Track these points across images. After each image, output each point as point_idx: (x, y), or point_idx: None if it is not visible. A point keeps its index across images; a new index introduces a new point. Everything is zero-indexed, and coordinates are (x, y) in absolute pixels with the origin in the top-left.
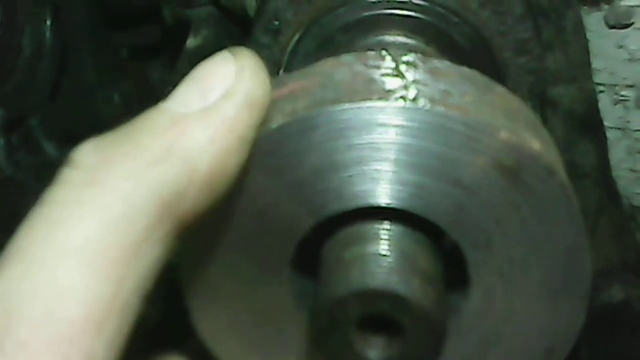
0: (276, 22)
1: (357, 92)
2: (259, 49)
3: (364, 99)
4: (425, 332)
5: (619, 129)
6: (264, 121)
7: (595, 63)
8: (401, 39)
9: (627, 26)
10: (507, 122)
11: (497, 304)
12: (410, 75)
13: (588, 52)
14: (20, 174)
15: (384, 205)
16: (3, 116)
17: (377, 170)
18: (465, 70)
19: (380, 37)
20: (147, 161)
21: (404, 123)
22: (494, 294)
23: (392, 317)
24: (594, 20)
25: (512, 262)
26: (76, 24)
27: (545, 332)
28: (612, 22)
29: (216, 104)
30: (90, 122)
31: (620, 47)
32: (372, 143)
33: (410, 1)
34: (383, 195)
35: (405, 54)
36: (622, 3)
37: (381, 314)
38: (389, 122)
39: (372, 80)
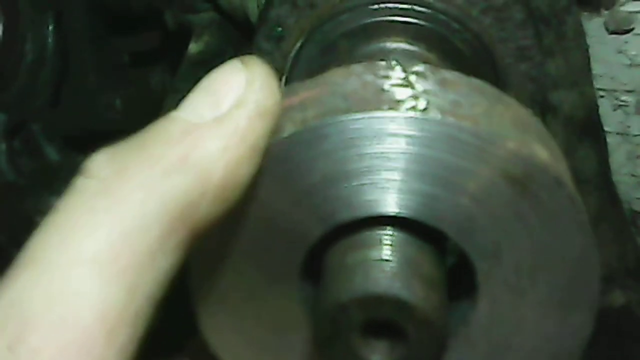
0: (279, 29)
1: (368, 101)
2: (261, 56)
3: (375, 109)
4: (428, 337)
5: (619, 134)
6: (275, 130)
7: (596, 68)
8: (403, 45)
9: (627, 32)
10: (516, 133)
11: (505, 313)
12: (420, 85)
13: (588, 58)
14: (22, 179)
15: (392, 214)
16: (5, 121)
17: (386, 179)
18: (474, 81)
19: (383, 44)
20: (161, 171)
21: (415, 133)
22: (501, 304)
23: (395, 322)
24: (594, 26)
25: (520, 272)
26: (78, 29)
27: (552, 342)
28: (612, 28)
29: (228, 113)
30: (91, 127)
31: (621, 52)
32: (382, 152)
33: (412, 8)
34: (392, 204)
35: (415, 65)
36: (622, 9)
37: (384, 319)
38: (400, 132)
39: (382, 90)
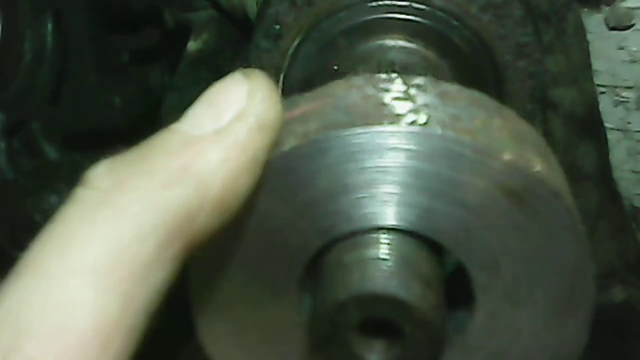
0: (277, 27)
1: (369, 115)
2: (260, 53)
3: (376, 123)
4: (424, 336)
5: (620, 130)
6: (276, 143)
7: (596, 65)
8: (402, 42)
9: (627, 28)
10: (515, 147)
11: (503, 323)
12: (420, 99)
13: (588, 55)
14: (22, 178)
15: (391, 227)
16: (4, 120)
17: (386, 192)
18: (474, 93)
19: (381, 41)
20: (160, 183)
21: (415, 147)
22: (499, 314)
23: (392, 321)
24: (594, 22)
25: (517, 283)
26: (77, 28)
27: (549, 351)
28: (612, 24)
29: (228, 126)
30: (91, 125)
31: (621, 48)
32: (383, 166)
33: (410, 5)
34: (391, 217)
35: (415, 77)
36: (623, 5)
37: (381, 317)
38: (400, 146)
39: (383, 104)
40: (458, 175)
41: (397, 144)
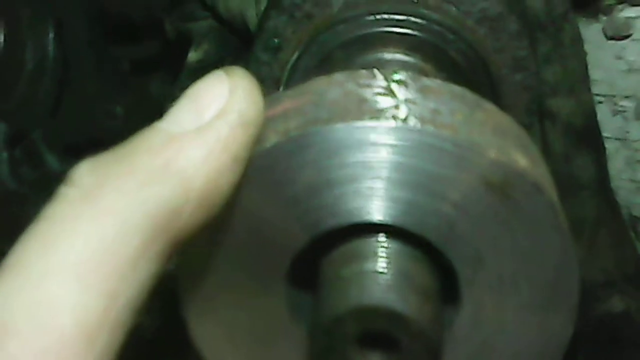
0: (276, 40)
1: (349, 111)
2: (259, 66)
3: (356, 119)
4: (422, 349)
5: (618, 139)
6: (258, 140)
7: (594, 74)
8: (399, 56)
9: (625, 37)
10: (496, 140)
11: (488, 317)
12: (401, 94)
13: (586, 65)
14: (24, 188)
15: (376, 221)
16: (6, 130)
17: (369, 187)
18: (455, 88)
19: (379, 55)
20: (142, 180)
21: (395, 142)
22: (484, 308)
23: (390, 333)
24: (592, 32)
25: (502, 277)
26: (78, 38)
27: (535, 344)
28: (610, 34)
29: (210, 123)
30: (92, 135)
31: (619, 58)
32: (365, 161)
33: (407, 19)
34: (376, 212)
35: (396, 72)
36: (621, 15)
37: (379, 330)
38: (381, 141)
39: (363, 100)
40: (440, 169)
41: (378, 139)
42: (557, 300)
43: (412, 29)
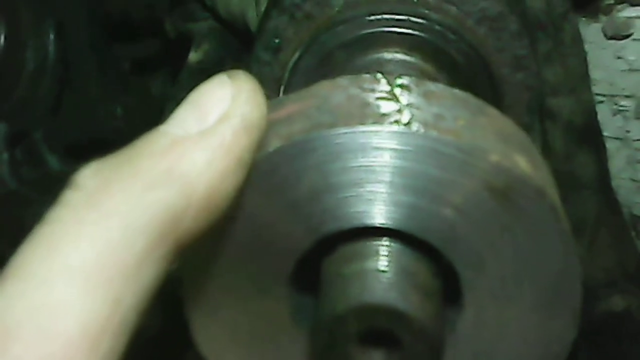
0: (277, 40)
1: (353, 116)
2: (260, 66)
3: (359, 123)
4: (423, 347)
5: (619, 139)
6: (261, 144)
7: (594, 74)
8: (399, 56)
9: (625, 37)
10: (499, 145)
11: (490, 320)
12: (404, 98)
13: (586, 64)
14: (24, 188)
15: (378, 225)
16: (6, 130)
17: (372, 191)
18: (458, 93)
19: (379, 55)
20: (146, 184)
21: (398, 147)
22: (486, 311)
23: (392, 331)
24: (592, 32)
25: (504, 280)
26: (79, 38)
27: (537, 347)
28: (610, 33)
29: (214, 127)
30: (93, 135)
31: (619, 57)
32: (367, 166)
33: (408, 19)
34: (378, 215)
35: (399, 77)
36: (621, 14)
37: (381, 328)
38: (384, 146)
39: (367, 104)
40: (443, 174)
41: (381, 143)
42: (560, 303)
43: (412, 29)
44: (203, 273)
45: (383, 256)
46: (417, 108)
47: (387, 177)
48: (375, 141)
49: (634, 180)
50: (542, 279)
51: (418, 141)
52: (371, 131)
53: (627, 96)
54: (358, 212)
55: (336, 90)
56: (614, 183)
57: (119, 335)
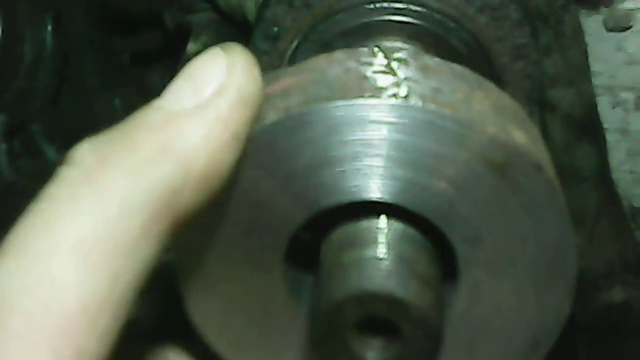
0: (275, 29)
1: (350, 89)
2: (259, 56)
3: (357, 97)
4: (423, 335)
5: (619, 131)
6: (258, 118)
7: (595, 66)
8: (399, 45)
9: (626, 29)
10: (496, 119)
11: (486, 296)
12: (402, 72)
13: (587, 56)
14: (23, 180)
15: (376, 199)
16: (5, 122)
17: (369, 166)
18: (456, 67)
19: (379, 43)
20: (143, 159)
21: (396, 120)
22: (482, 287)
23: (391, 319)
24: (593, 24)
25: (500, 256)
26: (77, 30)
27: (532, 324)
28: (611, 26)
29: (210, 101)
30: (91, 127)
31: (620, 50)
32: (365, 140)
33: (407, 8)
34: (375, 190)
35: (397, 51)
36: (621, 7)
37: (380, 317)
38: (381, 120)
39: (364, 78)
40: (440, 148)
41: (379, 117)
42: (555, 278)
43: (412, 18)
44: (198, 249)
45: (382, 243)
46: (415, 82)
47: (384, 151)
48: (373, 115)
49: (634, 173)
50: (538, 253)
51: (416, 115)
52: (369, 105)
53: (627, 89)
54: (355, 187)
55: (333, 64)
56: (615, 176)
57: (118, 312)
